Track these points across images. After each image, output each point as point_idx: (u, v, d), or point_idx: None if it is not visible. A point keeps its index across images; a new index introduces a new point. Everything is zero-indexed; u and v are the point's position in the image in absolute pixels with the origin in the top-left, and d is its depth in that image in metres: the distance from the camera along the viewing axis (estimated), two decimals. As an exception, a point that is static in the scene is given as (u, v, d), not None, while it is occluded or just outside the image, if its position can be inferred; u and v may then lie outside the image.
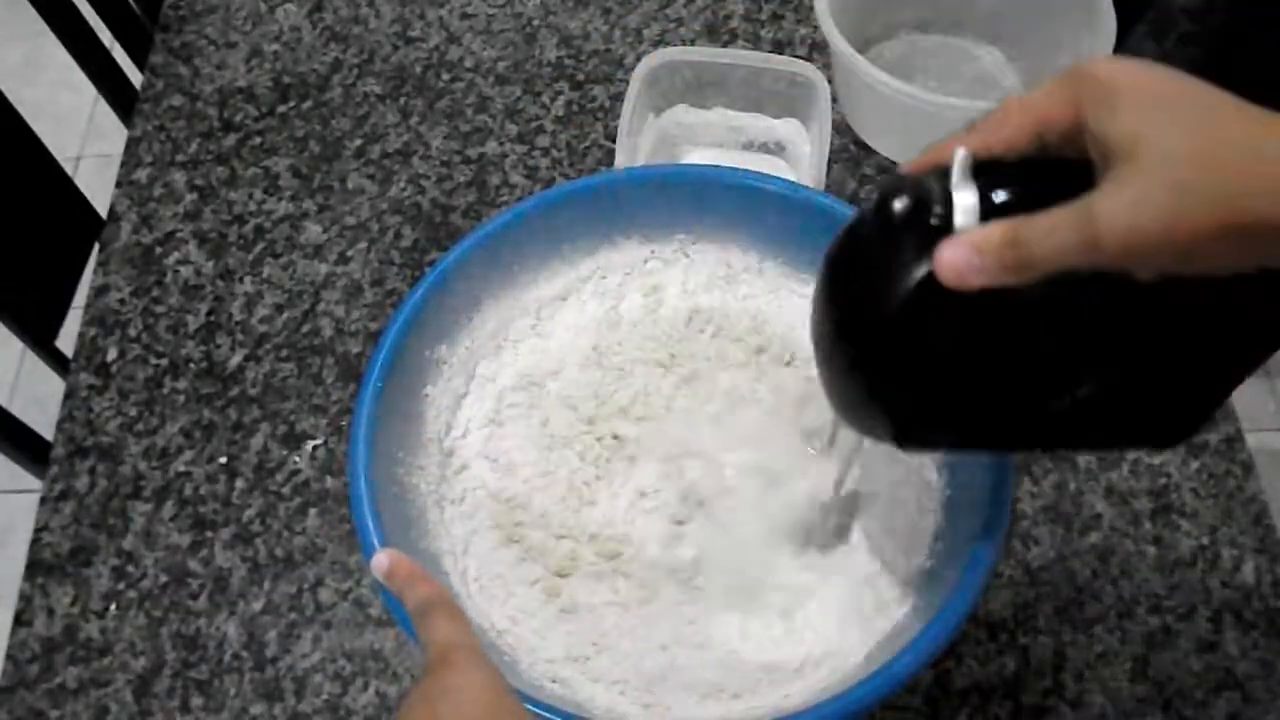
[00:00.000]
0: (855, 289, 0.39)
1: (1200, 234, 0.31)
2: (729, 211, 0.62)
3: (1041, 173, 0.35)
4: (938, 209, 0.35)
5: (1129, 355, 0.37)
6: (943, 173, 0.36)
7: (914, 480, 0.57)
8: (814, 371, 0.44)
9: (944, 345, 0.38)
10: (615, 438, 0.60)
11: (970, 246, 0.34)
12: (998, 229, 0.34)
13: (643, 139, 0.78)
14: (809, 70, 0.75)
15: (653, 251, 0.64)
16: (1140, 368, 0.37)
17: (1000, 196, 0.35)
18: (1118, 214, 0.32)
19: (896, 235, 0.37)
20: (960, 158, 0.35)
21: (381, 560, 0.46)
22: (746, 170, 0.62)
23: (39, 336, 0.94)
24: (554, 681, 0.52)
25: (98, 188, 0.98)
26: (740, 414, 0.60)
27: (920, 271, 0.35)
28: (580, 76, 0.85)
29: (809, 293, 0.62)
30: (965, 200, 0.35)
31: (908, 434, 0.42)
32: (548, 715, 0.46)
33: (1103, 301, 0.35)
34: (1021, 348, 0.37)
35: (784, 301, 0.63)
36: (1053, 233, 0.33)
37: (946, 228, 0.35)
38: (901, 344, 0.38)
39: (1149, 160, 0.31)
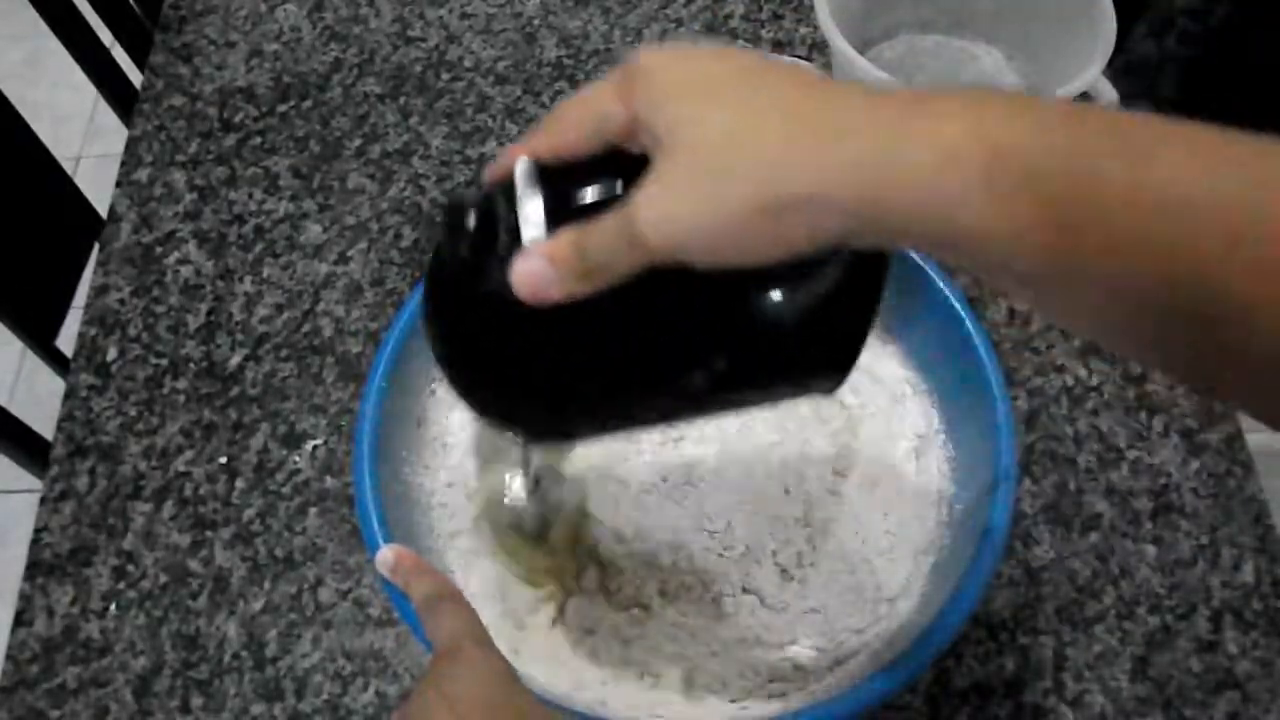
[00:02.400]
0: (445, 310, 0.38)
1: (736, 221, 0.29)
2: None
3: (610, 171, 0.33)
4: (508, 221, 0.34)
5: (744, 331, 0.36)
6: (509, 184, 0.34)
7: (917, 481, 0.57)
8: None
9: (542, 355, 0.36)
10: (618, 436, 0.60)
11: (543, 259, 0.32)
12: (565, 238, 0.32)
13: (643, 139, 0.78)
14: (809, 70, 0.75)
15: None
16: (751, 347, 0.36)
17: (567, 202, 0.33)
18: (652, 209, 0.30)
19: (471, 253, 0.35)
20: (521, 166, 0.34)
21: (386, 555, 0.46)
22: None
23: (39, 336, 0.94)
24: (555, 679, 0.52)
25: (98, 188, 0.98)
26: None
27: (500, 289, 0.33)
28: (580, 76, 0.85)
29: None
30: (531, 211, 0.33)
31: (540, 438, 0.42)
32: (556, 704, 0.46)
33: (694, 285, 0.33)
34: (621, 342, 0.36)
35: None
36: (605, 236, 0.31)
37: (516, 241, 0.33)
38: (498, 362, 0.37)
39: (684, 148, 0.30)
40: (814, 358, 0.37)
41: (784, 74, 0.31)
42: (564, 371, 0.37)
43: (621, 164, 0.33)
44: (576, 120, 0.34)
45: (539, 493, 0.56)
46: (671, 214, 0.30)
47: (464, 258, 0.35)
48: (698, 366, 0.36)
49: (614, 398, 0.38)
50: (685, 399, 0.37)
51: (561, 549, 0.56)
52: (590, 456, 0.58)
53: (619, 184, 0.32)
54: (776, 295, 0.34)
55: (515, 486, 0.57)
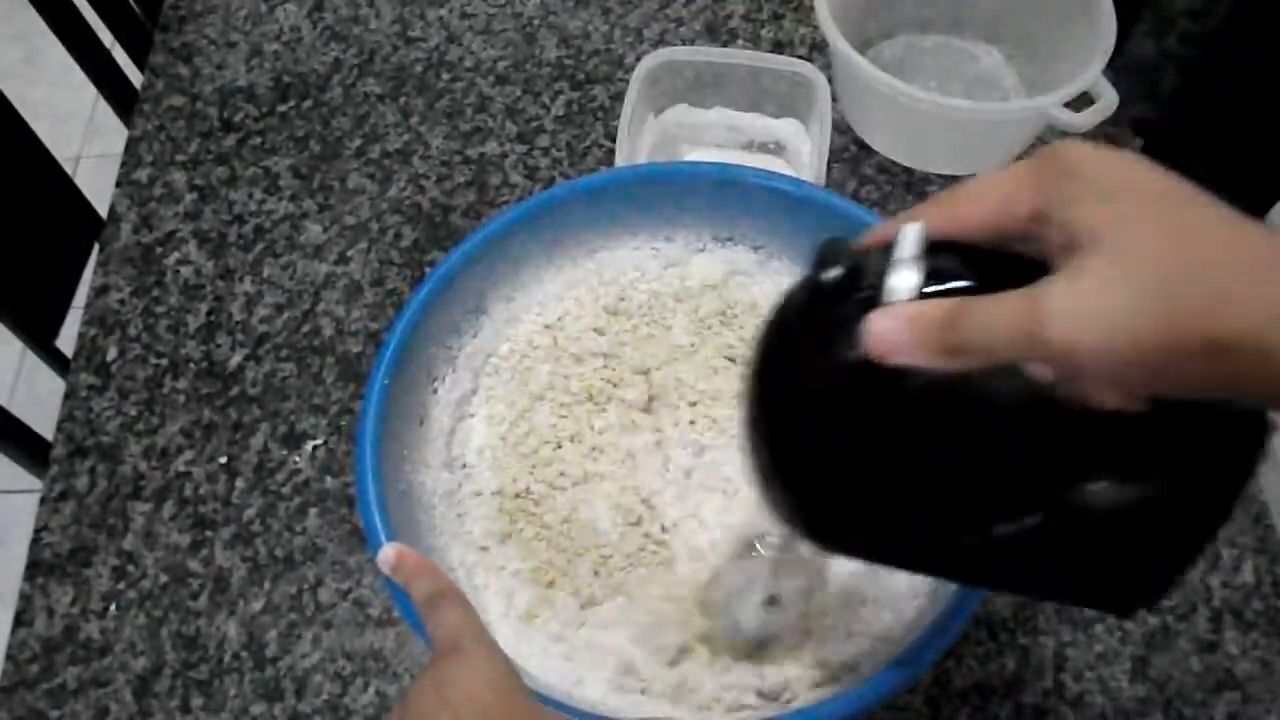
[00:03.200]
0: (777, 358, 0.36)
1: (1163, 344, 0.27)
2: (735, 209, 0.62)
3: (997, 262, 0.31)
4: (872, 284, 0.32)
5: (1059, 500, 0.33)
6: (888, 247, 0.32)
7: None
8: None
9: (859, 436, 0.34)
10: (622, 436, 0.60)
11: (905, 319, 0.30)
12: (938, 306, 0.30)
13: (643, 139, 0.78)
14: (809, 70, 0.75)
15: (658, 250, 0.64)
16: (1074, 516, 0.33)
17: (945, 281, 0.31)
18: (1069, 304, 0.27)
19: (825, 308, 0.33)
20: (913, 232, 0.32)
21: (388, 553, 0.46)
22: (753, 168, 0.62)
23: (39, 336, 0.94)
24: (558, 677, 0.52)
25: (98, 188, 0.98)
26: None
27: (842, 346, 0.31)
28: (580, 76, 0.85)
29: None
30: (905, 279, 0.31)
31: (818, 528, 0.38)
32: (555, 705, 0.46)
33: (1050, 425, 0.31)
34: (946, 459, 0.33)
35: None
36: (994, 315, 0.29)
37: (875, 305, 0.31)
38: (813, 424, 0.35)
39: (1113, 252, 0.27)
40: (1135, 562, 0.34)
41: (1203, 195, 0.29)
42: (869, 462, 0.34)
43: (1013, 260, 0.31)
44: (980, 197, 0.32)
45: (771, 610, 0.53)
46: (1090, 313, 0.27)
47: (815, 310, 0.34)
48: (1010, 516, 0.33)
49: (908, 522, 0.35)
50: (979, 546, 0.35)
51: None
52: None
53: (1008, 278, 0.29)
54: (1125, 471, 0.32)
55: (746, 602, 0.53)
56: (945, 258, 0.32)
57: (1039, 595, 0.38)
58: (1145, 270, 0.27)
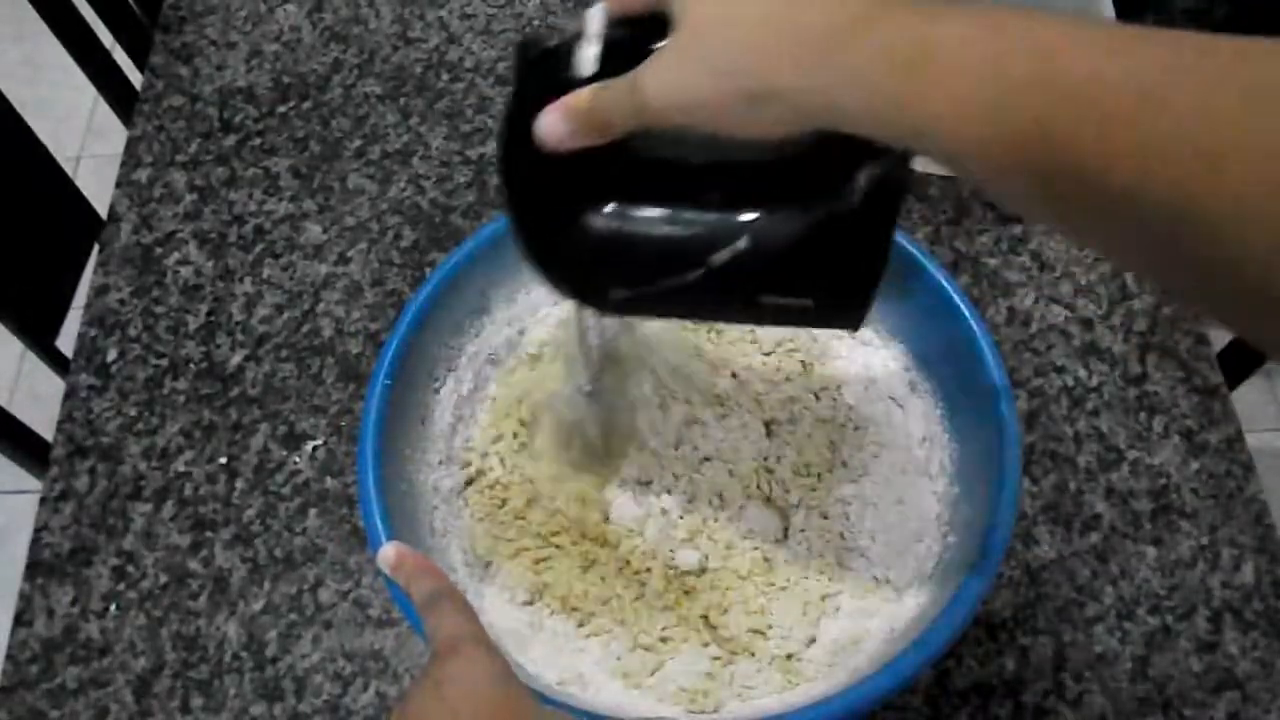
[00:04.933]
0: (509, 146, 0.41)
1: (718, 100, 0.34)
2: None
3: (652, 31, 0.37)
4: (565, 59, 0.39)
5: (769, 216, 0.40)
6: (578, 30, 0.39)
7: (921, 482, 0.57)
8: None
9: (577, 197, 0.41)
10: (625, 435, 0.60)
11: (559, 112, 0.38)
12: (583, 95, 0.37)
13: (643, 139, 0.78)
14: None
15: None
16: (770, 233, 0.40)
17: (612, 52, 0.38)
18: (654, 81, 0.36)
19: (529, 87, 0.40)
20: (593, 14, 0.39)
21: (388, 553, 0.46)
22: None
23: (39, 336, 0.94)
24: (556, 678, 0.52)
25: (98, 188, 0.98)
26: (755, 421, 0.60)
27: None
28: (580, 76, 0.85)
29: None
30: (586, 53, 0.38)
31: (574, 286, 0.45)
32: (554, 705, 0.46)
33: (731, 166, 0.39)
34: (665, 201, 0.41)
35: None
36: (613, 98, 0.37)
37: (568, 79, 0.38)
38: (542, 193, 0.42)
39: (689, 29, 0.35)
40: (830, 263, 0.41)
41: None
42: (602, 219, 0.41)
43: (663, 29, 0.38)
44: None
45: (598, 393, 0.56)
46: (669, 84, 0.35)
47: (526, 91, 0.40)
48: (720, 242, 0.40)
49: (646, 258, 0.42)
50: (710, 280, 0.41)
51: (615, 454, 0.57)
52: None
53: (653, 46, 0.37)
54: (802, 189, 0.39)
55: (574, 399, 0.56)
56: (620, 30, 0.39)
57: (774, 318, 0.45)
58: (698, 44, 0.35)
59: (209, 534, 0.66)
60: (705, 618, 0.54)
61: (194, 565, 0.65)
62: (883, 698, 0.45)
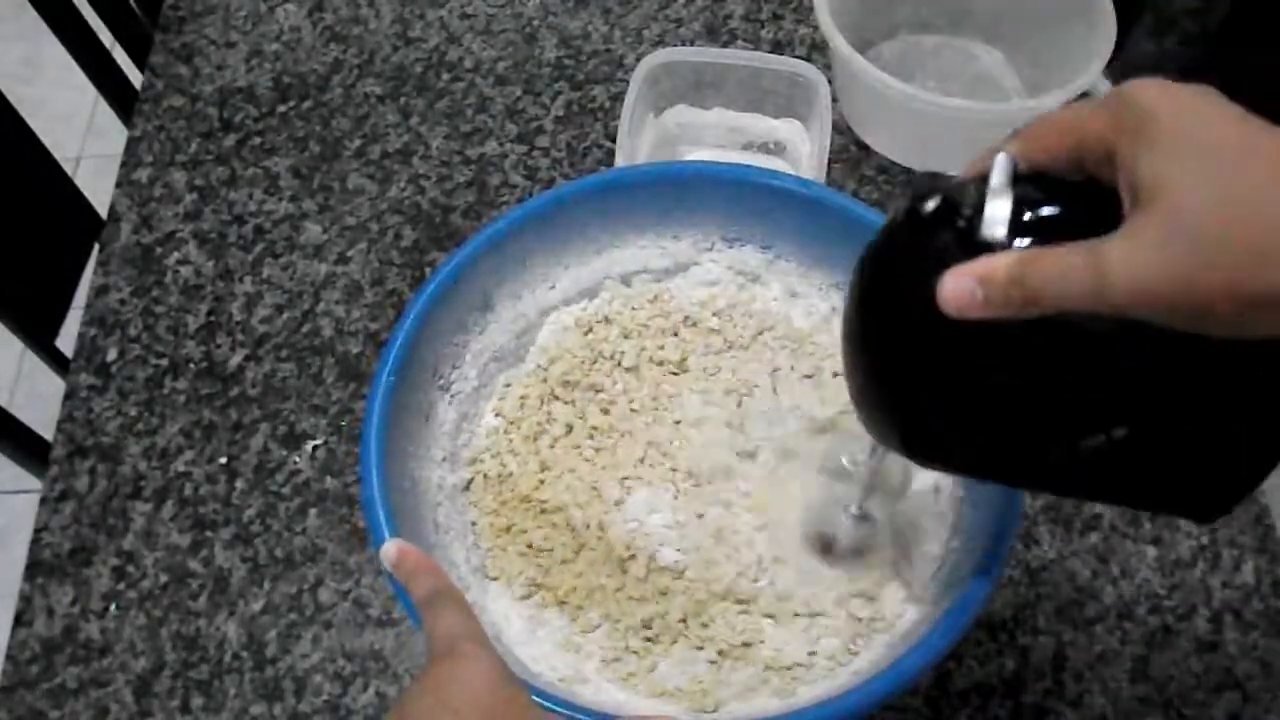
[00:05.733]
0: (877, 287, 0.38)
1: (1216, 298, 0.29)
2: (744, 210, 0.62)
3: (1079, 194, 0.33)
4: (968, 214, 0.34)
5: (1146, 411, 0.35)
6: (982, 178, 0.34)
7: (925, 484, 0.57)
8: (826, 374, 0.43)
9: (954, 360, 0.36)
10: (629, 436, 0.60)
11: (974, 278, 0.33)
12: (1004, 262, 0.32)
13: (643, 139, 0.78)
14: (809, 70, 0.75)
15: (665, 249, 0.64)
16: (1159, 427, 0.35)
17: (1032, 213, 0.33)
18: (1128, 264, 0.30)
19: (922, 239, 0.35)
20: (1001, 163, 0.34)
21: (390, 550, 0.46)
22: (763, 168, 0.62)
23: (39, 336, 0.94)
24: (557, 675, 0.52)
25: (98, 188, 0.98)
26: (757, 421, 0.60)
27: (937, 279, 0.34)
28: (580, 76, 0.85)
29: (825, 292, 0.63)
30: (997, 210, 0.33)
31: (914, 445, 0.41)
32: (552, 706, 0.46)
33: (1130, 346, 0.33)
34: (1034, 377, 0.35)
35: (801, 300, 0.63)
36: (1060, 274, 0.31)
37: (973, 236, 0.33)
38: (911, 350, 0.37)
39: (1172, 209, 0.30)
40: (1213, 469, 0.36)
41: (1270, 139, 0.30)
42: (968, 390, 0.37)
43: (1094, 192, 0.33)
44: (1059, 136, 0.34)
45: (861, 524, 0.55)
46: (1145, 277, 0.30)
47: (915, 241, 0.36)
48: (1097, 428, 0.35)
49: (1000, 436, 0.37)
50: (1069, 464, 0.37)
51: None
52: None
53: (1088, 213, 0.32)
54: (1203, 383, 0.34)
55: (834, 510, 0.55)
56: (1033, 190, 0.34)
57: (1122, 502, 0.41)
58: (1200, 229, 0.29)
59: (209, 534, 0.66)
60: (684, 620, 0.54)
61: (194, 565, 0.65)
62: (884, 700, 0.45)
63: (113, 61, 1.04)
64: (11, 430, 0.89)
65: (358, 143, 0.83)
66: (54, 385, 0.80)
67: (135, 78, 0.98)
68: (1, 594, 0.83)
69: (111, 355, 0.74)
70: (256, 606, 0.64)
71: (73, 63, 1.01)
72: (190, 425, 0.70)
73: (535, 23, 0.89)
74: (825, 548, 0.55)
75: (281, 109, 0.85)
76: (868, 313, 0.39)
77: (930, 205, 0.35)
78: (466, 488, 0.59)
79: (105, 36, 1.02)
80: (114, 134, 0.98)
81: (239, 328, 0.74)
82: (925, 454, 0.41)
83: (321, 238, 0.78)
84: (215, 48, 0.90)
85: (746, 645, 0.53)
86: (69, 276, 0.99)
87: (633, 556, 0.56)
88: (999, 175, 0.34)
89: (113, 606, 0.64)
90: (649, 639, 0.54)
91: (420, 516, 0.55)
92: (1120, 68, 0.72)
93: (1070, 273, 0.31)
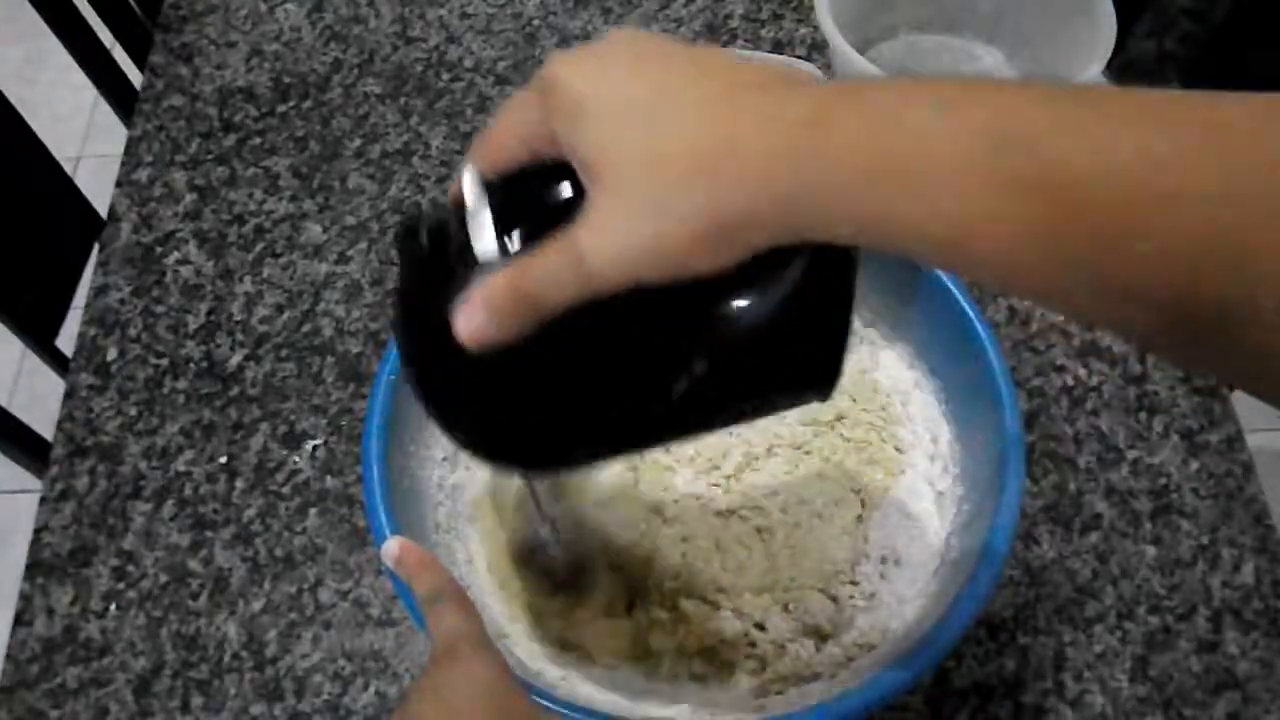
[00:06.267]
0: (405, 327, 0.37)
1: (678, 247, 0.30)
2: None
3: (552, 183, 0.33)
4: (459, 239, 0.33)
5: (706, 340, 0.35)
6: (459, 202, 0.34)
7: (925, 484, 0.57)
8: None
9: (513, 383, 0.35)
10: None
11: (480, 308, 0.32)
12: (500, 282, 0.32)
13: (643, 139, 0.78)
14: (809, 70, 0.75)
15: None
16: (728, 349, 0.35)
17: (513, 219, 0.33)
18: (599, 244, 0.30)
19: (428, 275, 0.35)
20: (468, 179, 0.34)
21: (391, 547, 0.46)
22: None
23: (39, 336, 0.94)
24: (558, 675, 0.52)
25: (98, 188, 0.98)
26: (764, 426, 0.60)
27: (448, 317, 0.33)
28: (580, 76, 0.85)
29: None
30: (480, 228, 0.33)
31: (536, 468, 0.40)
32: (552, 706, 0.46)
33: (674, 296, 0.33)
34: (592, 360, 0.35)
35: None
36: (550, 275, 0.31)
37: (470, 261, 0.33)
38: (470, 392, 0.36)
39: (615, 180, 0.30)
40: (792, 354, 0.37)
41: (691, 74, 0.31)
42: (540, 397, 0.36)
43: (565, 177, 0.33)
44: (508, 133, 0.34)
45: (560, 539, 0.55)
46: (620, 244, 0.30)
47: (420, 283, 0.35)
48: (678, 373, 0.35)
49: (599, 418, 0.37)
50: (675, 412, 0.37)
51: (604, 595, 0.55)
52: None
53: (560, 192, 0.33)
54: (745, 292, 0.34)
55: (536, 538, 0.56)
56: (507, 192, 0.34)
57: (741, 417, 0.40)
58: (644, 190, 0.30)
59: (209, 534, 0.66)
60: (682, 619, 0.54)
61: (194, 565, 0.65)
62: (884, 699, 0.45)
63: (113, 61, 1.04)
64: (11, 430, 0.89)
65: (358, 142, 0.83)
66: (54, 385, 0.80)
67: (135, 78, 0.98)
68: (1, 594, 0.83)
69: (111, 355, 0.74)
70: (256, 606, 0.64)
71: (73, 63, 1.01)
72: (190, 425, 0.70)
73: (535, 22, 0.89)
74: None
75: (281, 109, 0.85)
76: (406, 344, 0.38)
77: (424, 240, 0.35)
78: (467, 487, 0.59)
79: (105, 36, 1.02)
80: (114, 134, 0.98)
81: (239, 328, 0.74)
82: (537, 469, 0.41)
83: (321, 237, 0.78)
84: (215, 47, 0.90)
85: (751, 644, 0.53)
86: (69, 276, 0.99)
87: (637, 556, 0.56)
88: (470, 192, 0.34)
89: (113, 606, 0.64)
90: (649, 638, 0.54)
91: (421, 515, 0.55)
92: (1120, 67, 0.72)
93: (555, 270, 0.31)
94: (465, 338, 0.32)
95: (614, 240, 0.30)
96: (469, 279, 0.33)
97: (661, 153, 0.30)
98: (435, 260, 0.34)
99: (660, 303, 0.33)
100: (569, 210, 0.32)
